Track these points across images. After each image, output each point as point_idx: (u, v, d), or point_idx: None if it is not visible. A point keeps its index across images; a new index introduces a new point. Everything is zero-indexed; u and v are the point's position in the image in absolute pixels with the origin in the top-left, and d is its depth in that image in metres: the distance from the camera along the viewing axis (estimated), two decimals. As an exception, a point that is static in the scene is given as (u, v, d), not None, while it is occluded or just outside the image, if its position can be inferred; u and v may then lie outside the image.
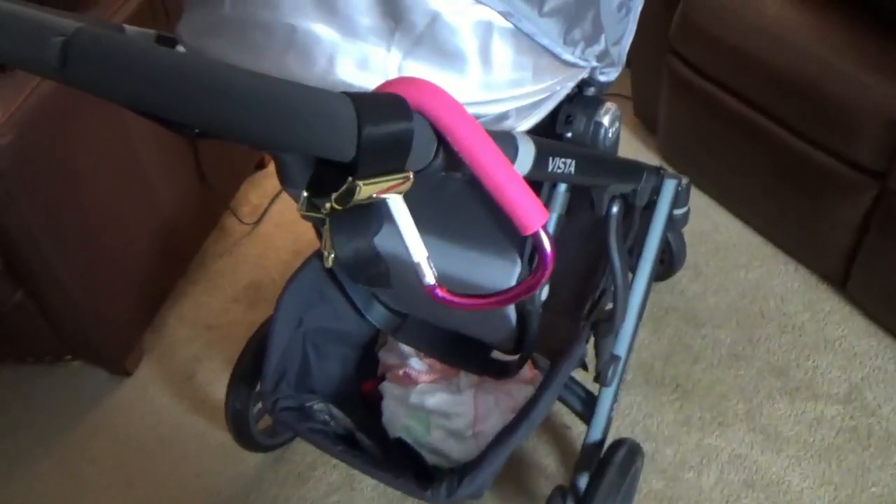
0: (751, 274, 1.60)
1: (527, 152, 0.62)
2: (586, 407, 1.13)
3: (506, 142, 0.60)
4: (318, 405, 1.14)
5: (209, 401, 1.50)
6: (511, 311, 0.97)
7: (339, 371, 1.25)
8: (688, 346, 1.49)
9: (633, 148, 1.94)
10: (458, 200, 0.99)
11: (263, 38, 0.68)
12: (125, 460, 1.43)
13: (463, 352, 1.16)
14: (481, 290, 0.95)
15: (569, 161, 0.73)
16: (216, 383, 1.51)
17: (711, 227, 1.71)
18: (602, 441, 1.12)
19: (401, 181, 0.46)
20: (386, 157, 0.45)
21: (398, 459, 1.11)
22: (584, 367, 1.13)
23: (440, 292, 0.52)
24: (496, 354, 1.17)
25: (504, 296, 0.54)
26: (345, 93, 0.43)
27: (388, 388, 1.21)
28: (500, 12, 0.67)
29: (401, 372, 1.20)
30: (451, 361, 1.17)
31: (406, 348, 1.22)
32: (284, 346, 1.13)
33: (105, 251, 1.42)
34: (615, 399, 1.13)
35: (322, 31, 0.66)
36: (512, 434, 0.96)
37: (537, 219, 0.50)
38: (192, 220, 1.70)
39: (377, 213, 0.51)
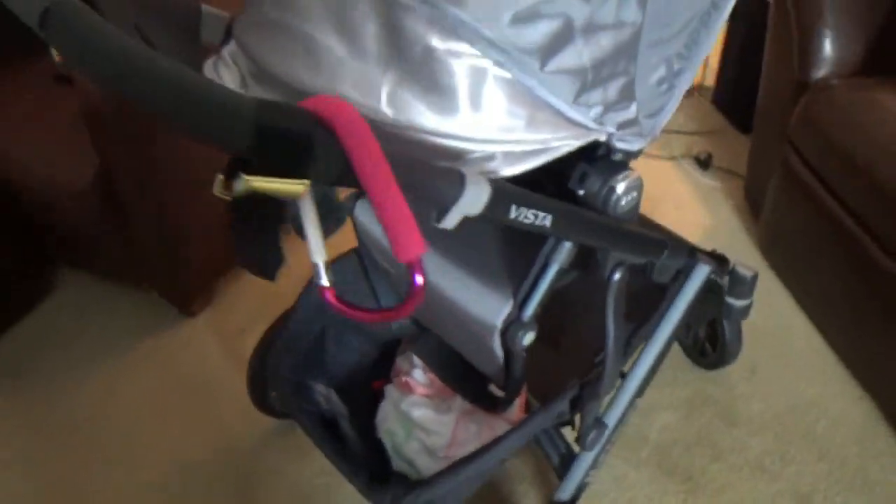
0: (810, 389, 1.50)
1: (476, 194, 0.65)
2: (563, 464, 1.12)
3: (448, 178, 0.63)
4: (318, 387, 1.20)
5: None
6: (498, 348, 0.99)
7: (354, 363, 1.31)
8: (714, 442, 1.42)
9: (731, 229, 1.88)
10: (477, 231, 1.03)
11: (287, 42, 0.75)
12: (159, 391, 1.56)
13: (462, 377, 1.18)
14: (470, 318, 0.98)
15: (542, 214, 0.74)
16: (259, 344, 1.62)
17: (786, 330, 1.62)
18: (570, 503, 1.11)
19: (295, 185, 0.51)
20: (283, 159, 0.50)
21: (370, 458, 1.15)
22: (571, 424, 1.12)
23: (328, 295, 0.57)
24: (494, 389, 1.18)
25: (372, 314, 0.58)
26: (254, 98, 0.49)
27: (389, 390, 1.26)
28: (495, 62, 0.70)
29: (404, 379, 1.24)
30: (448, 382, 1.20)
31: (417, 359, 1.26)
32: (304, 326, 1.21)
33: (197, 195, 1.55)
34: (594, 465, 1.11)
35: (335, 46, 0.72)
36: (463, 466, 0.97)
37: (411, 249, 0.53)
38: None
39: (287, 209, 0.56)
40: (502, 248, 0.99)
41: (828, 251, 1.55)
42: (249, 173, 0.49)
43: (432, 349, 1.23)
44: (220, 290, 1.75)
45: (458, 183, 0.63)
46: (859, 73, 1.55)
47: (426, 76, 0.70)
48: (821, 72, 1.55)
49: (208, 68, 0.82)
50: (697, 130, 2.21)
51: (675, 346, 1.58)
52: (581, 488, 1.12)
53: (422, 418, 1.15)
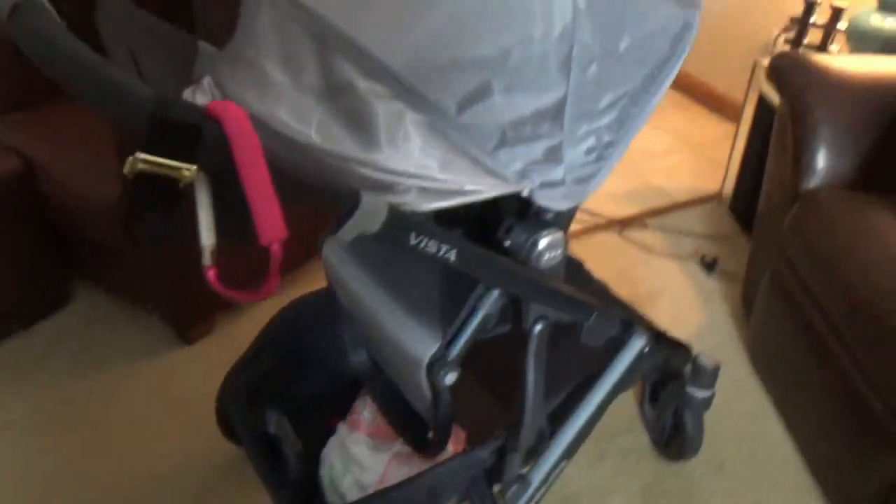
0: (774, 495, 1.48)
1: (371, 213, 0.72)
2: (487, 518, 1.13)
3: (345, 195, 0.70)
4: (271, 413, 1.26)
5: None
6: (425, 385, 1.04)
7: (312, 396, 1.36)
8: (664, 533, 1.40)
9: (723, 330, 1.88)
10: (423, 270, 1.10)
11: (245, 73, 0.86)
12: (144, 407, 1.64)
13: (404, 420, 1.23)
14: (400, 350, 1.04)
15: (445, 247, 0.81)
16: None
17: (760, 433, 1.60)
18: (486, 558, 1.12)
19: (182, 168, 0.60)
20: (174, 144, 0.59)
21: (303, 486, 1.19)
22: (498, 479, 1.14)
23: (210, 274, 0.65)
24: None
25: (245, 294, 0.65)
26: (154, 90, 0.59)
27: (341, 427, 1.31)
28: (411, 105, 0.79)
29: (355, 416, 1.29)
30: (392, 423, 1.24)
31: (370, 400, 1.31)
32: (262, 350, 1.28)
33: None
34: (514, 523, 1.12)
35: (280, 77, 0.83)
36: (376, 497, 1.01)
37: (272, 234, 0.61)
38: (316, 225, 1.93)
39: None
40: (444, 289, 1.06)
41: (808, 362, 1.54)
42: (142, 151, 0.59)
43: (383, 390, 1.28)
44: (220, 323, 1.84)
45: (353, 200, 0.71)
46: (851, 187, 1.58)
47: (350, 111, 0.79)
48: (811, 182, 1.58)
49: (187, 94, 0.93)
50: (710, 234, 2.25)
51: (643, 434, 1.58)
52: (501, 544, 1.13)
53: (358, 454, 1.20)
